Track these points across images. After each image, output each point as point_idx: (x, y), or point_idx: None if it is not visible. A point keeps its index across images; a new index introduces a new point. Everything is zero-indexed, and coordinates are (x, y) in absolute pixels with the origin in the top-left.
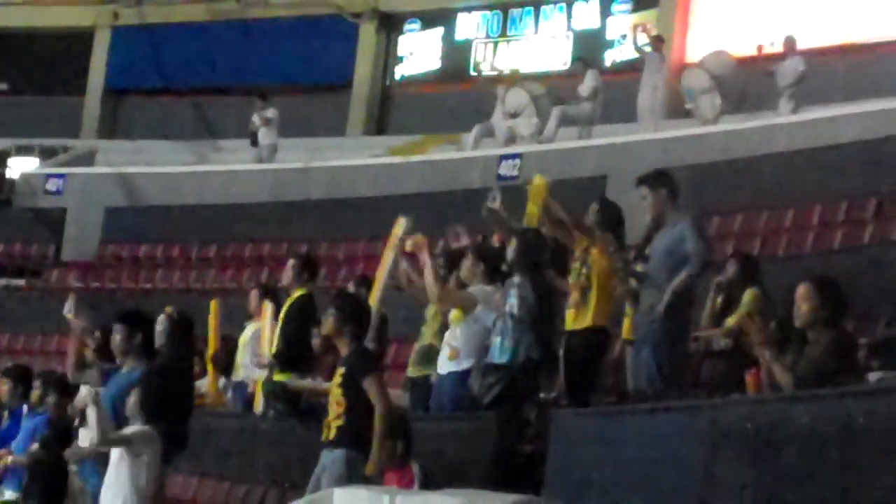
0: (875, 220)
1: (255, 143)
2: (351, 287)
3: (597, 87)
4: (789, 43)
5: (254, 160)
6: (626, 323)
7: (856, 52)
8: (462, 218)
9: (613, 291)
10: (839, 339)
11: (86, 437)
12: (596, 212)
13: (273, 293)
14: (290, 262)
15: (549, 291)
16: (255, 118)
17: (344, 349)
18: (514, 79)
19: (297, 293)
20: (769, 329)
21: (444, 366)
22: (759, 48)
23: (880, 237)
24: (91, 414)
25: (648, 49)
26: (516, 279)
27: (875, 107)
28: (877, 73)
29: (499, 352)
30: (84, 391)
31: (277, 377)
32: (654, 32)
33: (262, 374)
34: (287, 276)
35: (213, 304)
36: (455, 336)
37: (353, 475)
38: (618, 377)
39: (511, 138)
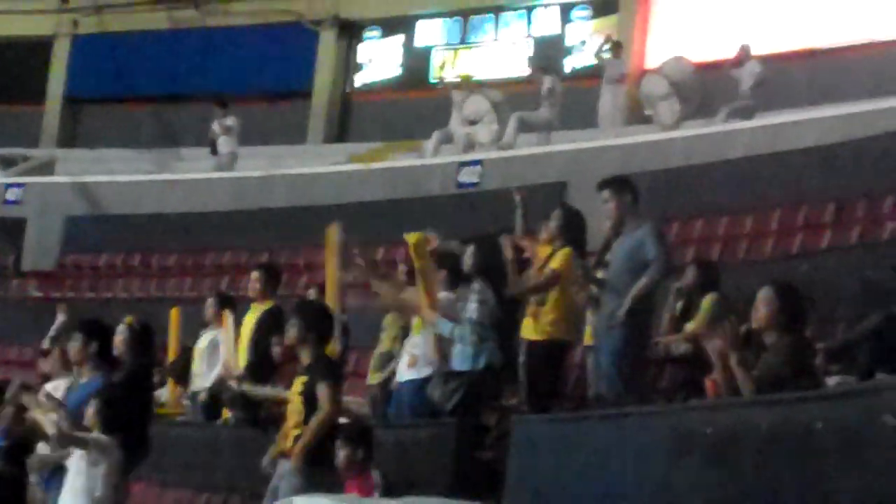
0: (834, 226)
1: (214, 151)
2: (312, 294)
3: (555, 91)
4: (744, 49)
5: (214, 168)
6: (589, 329)
7: (815, 57)
8: (423, 225)
9: (574, 299)
10: (797, 345)
11: (46, 448)
12: (559, 219)
13: (231, 302)
14: (255, 274)
15: (510, 296)
16: (215, 126)
17: (306, 358)
18: (468, 84)
19: (265, 305)
20: (738, 332)
21: (404, 373)
22: (719, 55)
23: (839, 242)
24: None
25: (608, 55)
26: (476, 285)
27: (834, 112)
28: (836, 78)
29: (460, 359)
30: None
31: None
32: (613, 39)
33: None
34: (254, 288)
35: (174, 313)
36: (415, 343)
37: (310, 486)
38: (579, 383)
39: (470, 145)
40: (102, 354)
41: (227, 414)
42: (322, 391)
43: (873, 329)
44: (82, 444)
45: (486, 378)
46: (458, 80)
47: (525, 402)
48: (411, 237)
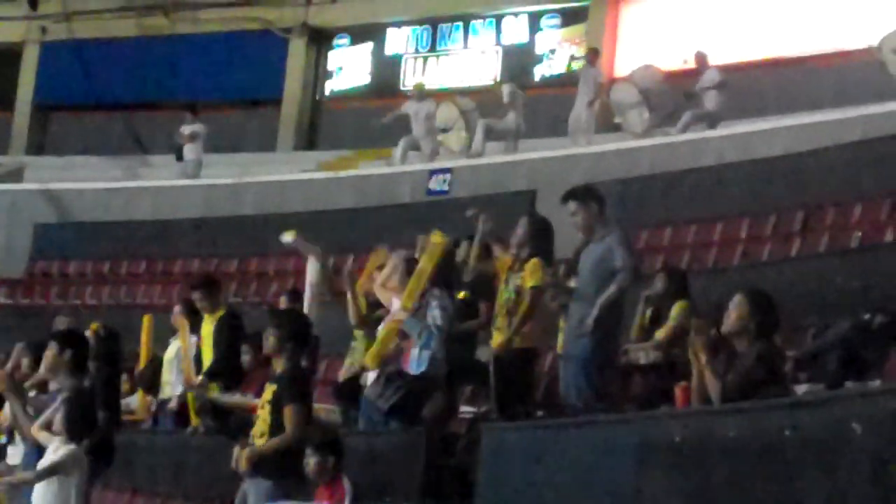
0: (803, 233)
1: (180, 157)
2: (283, 302)
3: (516, 100)
4: (701, 57)
5: (179, 175)
6: (561, 338)
7: (784, 65)
8: (392, 233)
9: (544, 308)
10: (767, 352)
11: (15, 454)
12: (525, 227)
13: (196, 310)
14: (195, 294)
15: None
16: (181, 133)
17: (279, 367)
18: (425, 92)
19: (219, 312)
20: (710, 334)
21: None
22: (682, 64)
23: (808, 250)
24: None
25: (582, 63)
26: (436, 291)
27: (803, 120)
28: (804, 87)
29: (416, 363)
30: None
31: (208, 393)
32: (590, 47)
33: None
34: (203, 306)
35: (146, 320)
36: None
37: (280, 494)
38: (550, 391)
39: (436, 151)
40: (76, 363)
41: (196, 422)
42: (288, 412)
43: (841, 337)
44: (57, 470)
45: (429, 384)
46: (413, 88)
47: (495, 410)
48: (438, 237)
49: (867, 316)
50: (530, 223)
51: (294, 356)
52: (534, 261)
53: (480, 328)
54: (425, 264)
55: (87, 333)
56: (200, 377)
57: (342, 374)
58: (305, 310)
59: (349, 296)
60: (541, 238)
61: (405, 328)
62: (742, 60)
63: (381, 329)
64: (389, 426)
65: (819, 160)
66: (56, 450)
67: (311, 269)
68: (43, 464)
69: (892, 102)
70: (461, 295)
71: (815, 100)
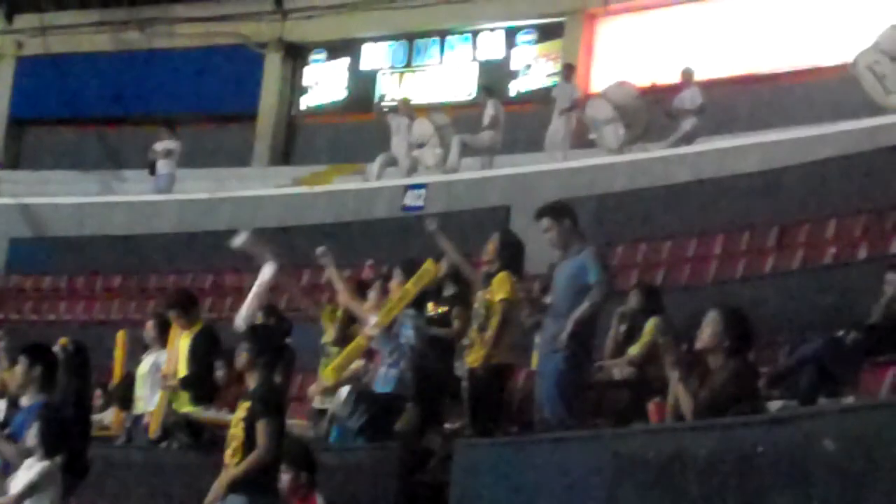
0: (777, 250)
1: (153, 172)
2: (260, 318)
3: (497, 116)
4: (686, 74)
5: (152, 190)
6: (535, 354)
7: (757, 82)
8: (367, 248)
9: (516, 323)
10: (740, 369)
11: None
12: (496, 242)
13: (169, 324)
14: (171, 313)
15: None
16: (155, 148)
17: (252, 383)
18: (408, 107)
19: (195, 327)
20: (680, 350)
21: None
22: (657, 80)
23: (782, 266)
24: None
25: (558, 79)
26: (410, 311)
27: (776, 137)
28: (777, 104)
29: (383, 380)
30: None
31: (182, 408)
32: (566, 63)
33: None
34: (180, 322)
35: (120, 336)
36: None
37: None
38: (524, 407)
39: (413, 167)
40: (47, 378)
41: (155, 428)
42: (260, 428)
43: (814, 354)
44: (33, 489)
45: (397, 402)
46: (396, 103)
47: (469, 426)
48: (430, 264)
49: (840, 332)
50: (501, 238)
51: (266, 371)
52: (502, 274)
53: (452, 337)
54: (411, 287)
55: (56, 348)
56: (174, 381)
57: (312, 391)
58: (244, 310)
59: (330, 312)
60: (510, 253)
61: (376, 344)
62: (716, 77)
63: (351, 344)
64: (361, 444)
65: (793, 177)
66: (30, 467)
67: (266, 272)
68: (19, 484)
69: (866, 119)
70: (441, 310)
71: (788, 116)
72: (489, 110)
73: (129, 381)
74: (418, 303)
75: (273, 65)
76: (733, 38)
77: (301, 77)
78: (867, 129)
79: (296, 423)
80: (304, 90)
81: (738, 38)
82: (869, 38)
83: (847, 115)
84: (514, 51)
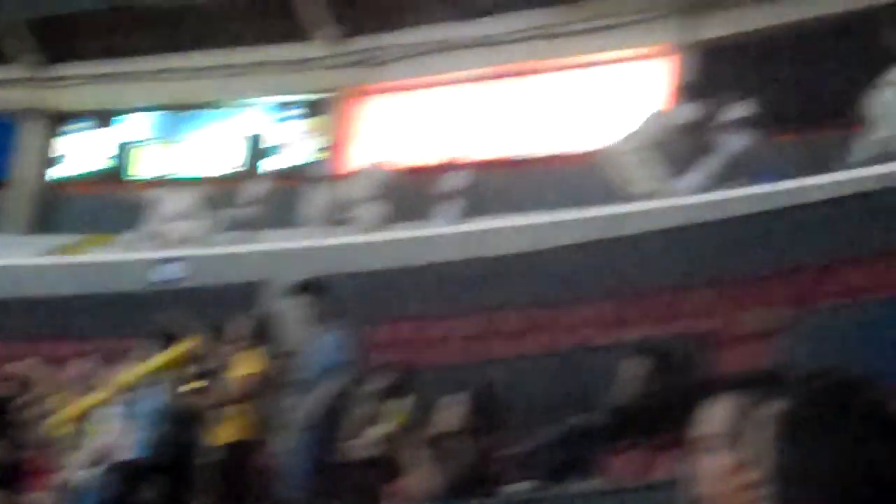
0: (533, 331)
1: None
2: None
3: (260, 191)
4: (452, 158)
5: None
6: (283, 430)
7: (518, 165)
8: (123, 321)
9: (263, 399)
10: (481, 451)
11: None
12: (245, 322)
13: None
14: None
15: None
16: None
17: None
18: (168, 180)
19: None
20: (428, 430)
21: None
22: (426, 160)
23: (539, 348)
24: None
25: (317, 155)
26: (164, 381)
27: (537, 219)
28: (538, 187)
29: (135, 448)
30: None
31: None
32: (322, 139)
33: None
34: None
35: None
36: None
37: None
38: (268, 484)
39: (172, 241)
40: None
41: None
42: None
43: (561, 436)
44: None
45: (144, 470)
46: (156, 176)
47: (215, 502)
48: (191, 342)
49: (587, 414)
50: (252, 317)
51: None
52: (251, 350)
53: (204, 411)
54: (164, 358)
55: None
56: None
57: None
58: None
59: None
60: (261, 329)
61: (119, 411)
62: (478, 159)
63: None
64: None
65: (552, 258)
66: None
67: None
68: None
69: (612, 206)
70: (198, 384)
71: (549, 199)
72: (253, 186)
73: None
74: (175, 374)
75: (30, 132)
76: (494, 122)
77: (58, 145)
78: (612, 216)
79: (35, 498)
80: (59, 159)
81: (498, 122)
82: (611, 127)
83: (592, 201)
84: (278, 125)
